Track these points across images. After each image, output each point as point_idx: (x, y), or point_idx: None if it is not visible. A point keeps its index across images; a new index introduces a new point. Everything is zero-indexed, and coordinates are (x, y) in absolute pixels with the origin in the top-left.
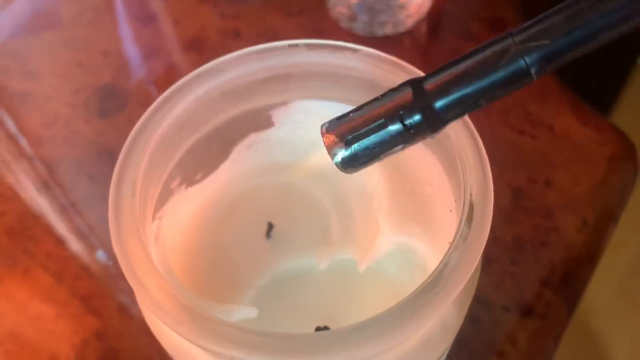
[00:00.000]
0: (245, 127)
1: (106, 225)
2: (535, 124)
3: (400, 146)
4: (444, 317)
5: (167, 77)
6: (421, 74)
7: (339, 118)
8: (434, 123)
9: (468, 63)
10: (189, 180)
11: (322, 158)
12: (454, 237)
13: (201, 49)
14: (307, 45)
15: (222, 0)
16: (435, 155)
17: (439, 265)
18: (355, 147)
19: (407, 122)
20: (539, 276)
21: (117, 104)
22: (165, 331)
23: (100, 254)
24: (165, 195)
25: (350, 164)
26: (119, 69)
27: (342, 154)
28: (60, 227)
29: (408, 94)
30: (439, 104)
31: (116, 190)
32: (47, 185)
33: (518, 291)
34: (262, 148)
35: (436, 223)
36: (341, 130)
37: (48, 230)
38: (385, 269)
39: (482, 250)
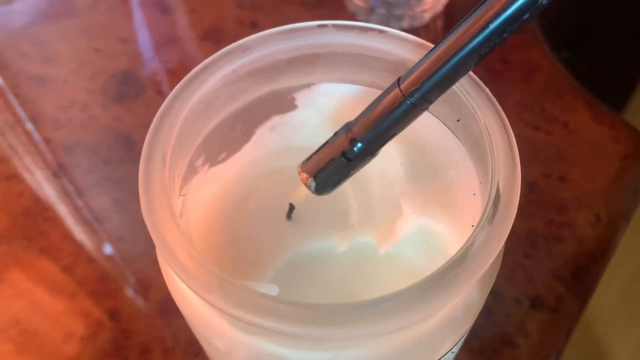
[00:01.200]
0: (269, 109)
1: (121, 208)
2: (550, 120)
3: (351, 171)
4: (468, 296)
5: (184, 65)
6: None
7: (308, 159)
8: (365, 154)
9: (377, 108)
10: (213, 159)
11: None
12: (481, 216)
13: (218, 39)
14: (336, 26)
15: None
16: (460, 140)
17: (465, 243)
18: (320, 179)
19: (348, 156)
20: (551, 269)
21: (134, 90)
22: (192, 302)
23: (112, 232)
24: (190, 173)
25: (322, 190)
26: (136, 56)
27: (313, 185)
28: (76, 209)
29: (344, 136)
30: (361, 142)
31: (146, 162)
32: (63, 168)
33: (530, 284)
34: (284, 130)
35: (459, 206)
36: (309, 168)
37: (64, 212)
38: (404, 253)
39: (509, 230)
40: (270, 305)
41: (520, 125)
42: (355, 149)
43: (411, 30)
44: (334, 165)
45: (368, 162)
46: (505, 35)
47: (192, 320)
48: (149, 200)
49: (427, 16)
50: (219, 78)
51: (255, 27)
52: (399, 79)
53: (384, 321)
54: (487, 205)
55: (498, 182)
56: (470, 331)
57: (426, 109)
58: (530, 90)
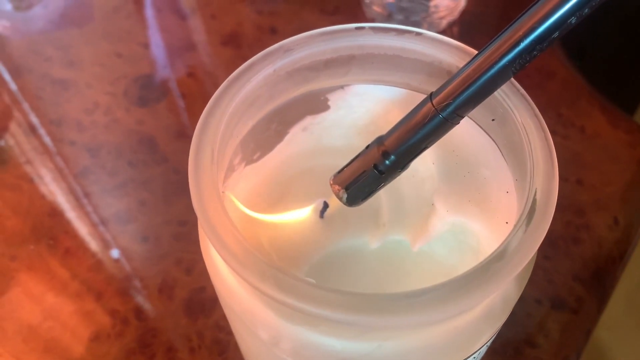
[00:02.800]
0: (303, 110)
1: (146, 208)
2: (566, 125)
3: (382, 184)
4: (505, 291)
5: (205, 69)
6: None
7: (340, 171)
8: (396, 166)
9: (409, 122)
10: (248, 158)
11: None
12: (520, 214)
13: (238, 44)
14: (373, 28)
15: None
16: (493, 139)
17: (505, 240)
18: (352, 191)
19: (380, 169)
20: (571, 271)
21: (156, 94)
22: (237, 294)
23: (137, 232)
24: (229, 170)
25: (353, 202)
26: (158, 61)
27: (345, 197)
28: (101, 209)
29: (376, 149)
30: (394, 155)
31: (195, 158)
32: (88, 170)
33: (550, 285)
34: (316, 131)
35: (493, 204)
36: (341, 180)
37: (88, 212)
38: (435, 251)
39: (547, 227)
40: (320, 294)
41: None
42: (387, 161)
43: None
44: (366, 177)
45: (399, 174)
46: (535, 52)
47: (238, 311)
48: (200, 196)
49: (444, 22)
50: (261, 78)
51: (274, 32)
52: (431, 94)
53: (430, 311)
54: (525, 204)
55: (536, 183)
56: None
57: (457, 123)
58: (547, 96)
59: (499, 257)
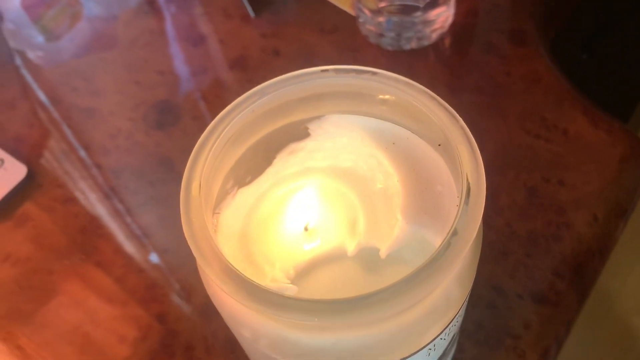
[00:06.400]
0: (286, 138)
1: (165, 223)
2: (550, 128)
3: None
4: (447, 291)
5: (216, 93)
6: (428, 92)
7: None
8: None
9: None
10: (240, 182)
11: (351, 163)
12: (451, 225)
13: (245, 67)
14: (335, 70)
15: (263, 20)
16: (443, 159)
17: (439, 247)
18: None
19: None
20: (551, 267)
21: (172, 118)
22: (225, 302)
23: (158, 246)
24: (222, 195)
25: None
26: (172, 86)
27: None
28: (126, 226)
29: None
30: None
31: (186, 189)
32: (113, 190)
33: (531, 280)
34: (301, 155)
35: (445, 216)
36: None
37: (115, 229)
38: (403, 256)
39: (472, 238)
40: (285, 302)
41: (521, 134)
42: None
43: (420, 50)
44: None
45: None
46: None
47: (225, 316)
48: (189, 222)
49: (435, 35)
50: (241, 118)
51: (277, 54)
52: None
53: (372, 311)
54: (456, 215)
55: (468, 193)
56: (475, 323)
57: None
58: (532, 101)
59: (429, 265)
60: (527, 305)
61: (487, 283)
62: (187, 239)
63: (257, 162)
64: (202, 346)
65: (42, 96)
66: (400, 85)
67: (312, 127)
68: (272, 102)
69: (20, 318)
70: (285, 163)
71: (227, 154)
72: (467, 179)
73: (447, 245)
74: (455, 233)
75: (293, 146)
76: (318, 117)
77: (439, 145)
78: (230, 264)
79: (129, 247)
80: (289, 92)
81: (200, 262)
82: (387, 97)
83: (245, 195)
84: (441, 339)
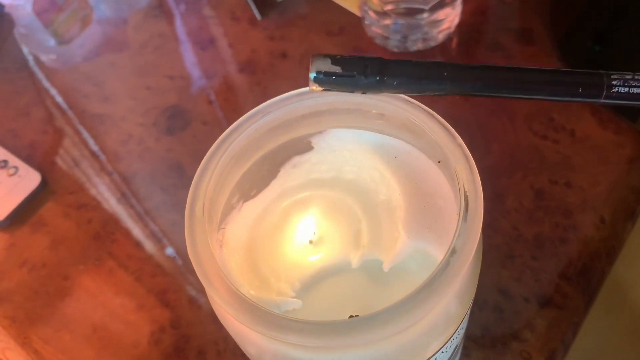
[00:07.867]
0: (290, 152)
1: (177, 228)
2: (557, 129)
3: (354, 88)
4: (446, 309)
5: (225, 96)
6: (427, 109)
7: (330, 56)
8: (377, 83)
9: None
10: (246, 196)
11: (354, 175)
12: (449, 247)
13: (253, 70)
14: None
15: (269, 22)
16: (444, 175)
17: (437, 266)
18: (325, 76)
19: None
20: (558, 270)
21: (182, 122)
22: (229, 319)
23: (170, 251)
24: (228, 209)
25: (317, 83)
26: (182, 91)
27: (314, 75)
28: (138, 231)
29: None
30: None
31: (190, 210)
32: (125, 196)
33: (538, 283)
34: (305, 167)
35: (446, 231)
36: (325, 65)
37: (128, 234)
38: (407, 268)
39: (471, 257)
40: (287, 324)
41: (529, 136)
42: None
43: (427, 50)
44: (349, 75)
45: (371, 91)
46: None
47: (231, 332)
48: (193, 244)
49: (441, 36)
50: (245, 136)
51: (285, 57)
52: None
53: (371, 333)
54: (454, 235)
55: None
56: (482, 327)
57: None
58: (540, 102)
59: (428, 285)
60: (533, 309)
61: (494, 286)
62: (191, 259)
63: (261, 175)
64: (214, 350)
65: (55, 102)
66: (398, 102)
67: (315, 141)
68: (274, 120)
69: (37, 323)
70: (290, 175)
71: (232, 170)
72: (466, 197)
73: (445, 265)
74: (453, 252)
75: (297, 159)
76: (320, 132)
77: (439, 162)
78: (234, 286)
79: (141, 252)
80: (291, 110)
81: (205, 285)
82: (384, 113)
83: (250, 208)
84: (442, 352)
